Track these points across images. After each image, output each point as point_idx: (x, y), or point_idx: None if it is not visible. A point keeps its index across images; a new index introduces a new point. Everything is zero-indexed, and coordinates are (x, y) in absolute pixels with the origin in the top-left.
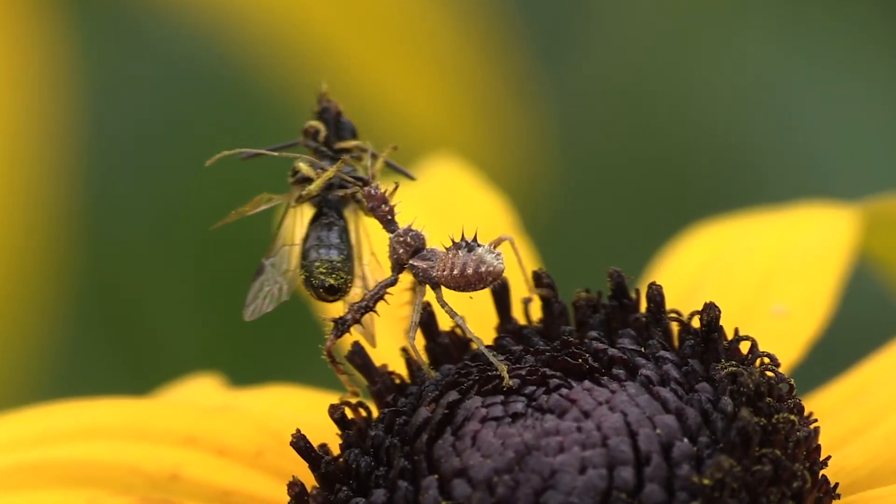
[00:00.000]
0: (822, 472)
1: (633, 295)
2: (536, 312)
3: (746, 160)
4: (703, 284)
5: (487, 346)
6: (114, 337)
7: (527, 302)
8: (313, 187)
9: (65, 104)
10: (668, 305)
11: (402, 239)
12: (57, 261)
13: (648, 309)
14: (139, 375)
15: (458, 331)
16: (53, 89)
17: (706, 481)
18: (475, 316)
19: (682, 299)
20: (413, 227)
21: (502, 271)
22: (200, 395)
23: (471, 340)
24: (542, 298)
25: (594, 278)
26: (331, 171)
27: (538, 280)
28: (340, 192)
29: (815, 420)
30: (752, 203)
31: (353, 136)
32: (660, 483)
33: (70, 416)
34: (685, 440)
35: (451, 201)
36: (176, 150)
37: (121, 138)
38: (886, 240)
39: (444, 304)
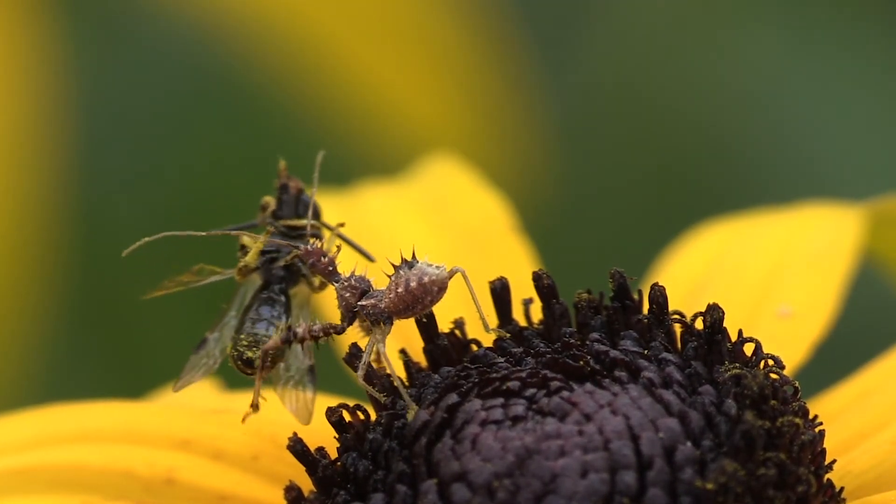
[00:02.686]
0: (827, 476)
1: (636, 296)
2: (537, 314)
3: (750, 160)
4: (706, 285)
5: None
6: (108, 339)
7: (527, 303)
8: (249, 258)
9: (59, 106)
10: (671, 307)
11: (346, 284)
12: (50, 263)
13: (651, 310)
14: (133, 378)
15: (458, 333)
16: (47, 91)
17: (710, 485)
18: (475, 318)
19: (686, 301)
20: (355, 272)
21: (446, 278)
22: (195, 399)
23: (469, 343)
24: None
25: (596, 279)
26: (261, 239)
27: (538, 280)
28: (281, 263)
29: (821, 423)
30: (756, 203)
31: (316, 214)
32: (662, 487)
33: (63, 419)
34: (688, 444)
35: (450, 201)
36: (171, 152)
37: (115, 139)
38: (891, 240)
39: (384, 345)
